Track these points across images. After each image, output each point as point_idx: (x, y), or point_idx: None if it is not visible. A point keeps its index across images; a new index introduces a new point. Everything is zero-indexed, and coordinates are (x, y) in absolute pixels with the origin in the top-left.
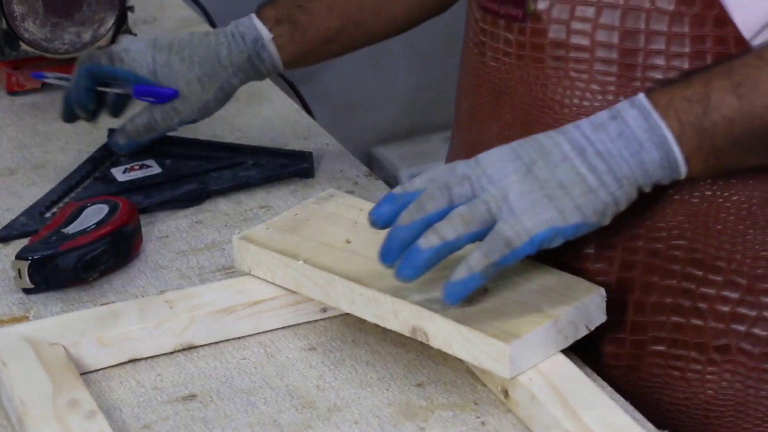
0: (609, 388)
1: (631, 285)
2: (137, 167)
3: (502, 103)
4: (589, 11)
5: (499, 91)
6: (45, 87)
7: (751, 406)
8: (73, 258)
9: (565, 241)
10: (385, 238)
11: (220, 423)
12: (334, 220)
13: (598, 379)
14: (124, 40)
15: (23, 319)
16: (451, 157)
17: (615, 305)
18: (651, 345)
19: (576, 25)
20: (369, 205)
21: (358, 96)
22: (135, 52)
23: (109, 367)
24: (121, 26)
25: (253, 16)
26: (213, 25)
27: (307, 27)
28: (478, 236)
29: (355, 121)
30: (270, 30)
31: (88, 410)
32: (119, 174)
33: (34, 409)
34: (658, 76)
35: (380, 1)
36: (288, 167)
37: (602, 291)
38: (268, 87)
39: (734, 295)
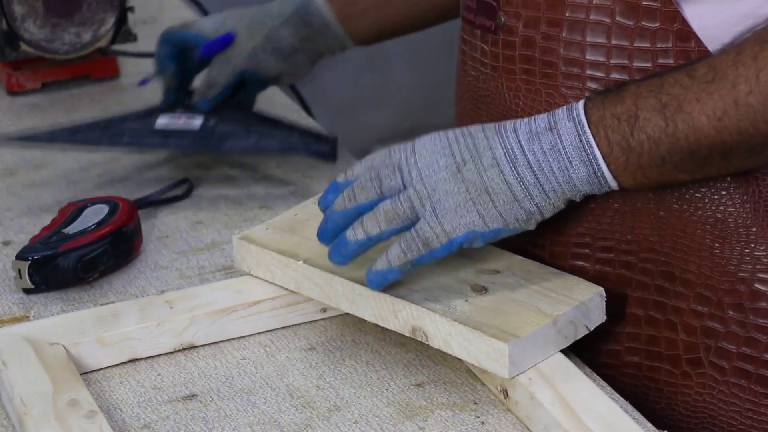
0: (608, 388)
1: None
2: (183, 119)
3: (481, 112)
4: (555, 27)
5: (478, 99)
6: (45, 87)
7: (725, 420)
8: (73, 258)
9: (485, 243)
10: (322, 219)
11: (220, 423)
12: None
13: (598, 379)
14: None
15: (23, 319)
16: None
17: None
18: (626, 355)
19: (543, 41)
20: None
21: (358, 96)
22: (203, 18)
23: (110, 367)
24: (121, 27)
25: None
26: None
27: None
28: (401, 231)
29: (355, 121)
30: None
31: (88, 410)
32: (161, 121)
33: (34, 409)
34: None
35: None
36: (309, 146)
37: (602, 291)
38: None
39: (704, 309)
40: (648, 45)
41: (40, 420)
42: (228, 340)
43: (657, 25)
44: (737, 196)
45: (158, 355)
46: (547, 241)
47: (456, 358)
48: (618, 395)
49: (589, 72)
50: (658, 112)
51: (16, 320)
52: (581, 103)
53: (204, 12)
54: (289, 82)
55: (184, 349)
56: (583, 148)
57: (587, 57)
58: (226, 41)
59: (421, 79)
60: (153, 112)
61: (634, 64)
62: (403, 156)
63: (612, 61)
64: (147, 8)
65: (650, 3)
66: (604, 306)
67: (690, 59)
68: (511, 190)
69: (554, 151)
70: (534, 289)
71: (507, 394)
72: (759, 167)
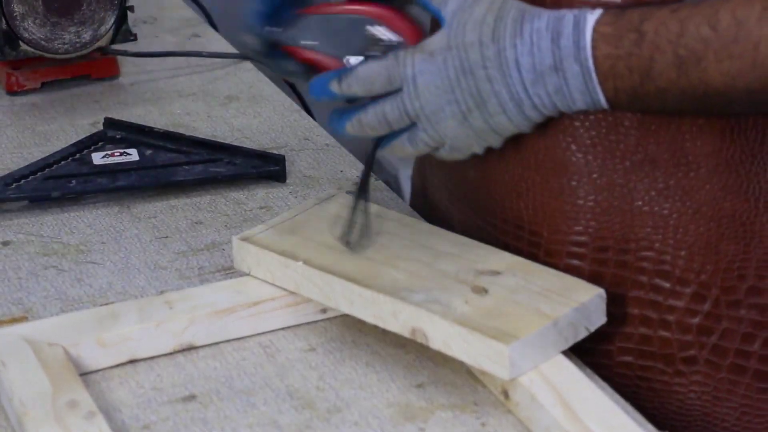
0: (609, 390)
1: None
2: (117, 153)
3: None
4: None
5: None
6: (45, 87)
7: (719, 417)
8: None
9: None
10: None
11: (220, 424)
12: (334, 220)
13: (599, 380)
14: None
15: (22, 319)
16: None
17: None
18: (618, 356)
19: None
20: (369, 206)
21: None
22: None
23: (109, 367)
24: (121, 26)
25: None
26: (213, 25)
27: None
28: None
29: None
30: None
31: (88, 411)
32: (98, 158)
33: (33, 410)
34: None
35: None
36: (259, 168)
37: (602, 292)
38: (268, 87)
39: (702, 308)
40: None
41: (39, 421)
42: (228, 340)
43: None
44: (740, 192)
45: (158, 356)
46: (542, 239)
47: (456, 359)
48: (619, 396)
49: None
50: (673, 67)
51: (15, 321)
52: (588, 35)
53: (204, 12)
54: None
55: (183, 350)
56: (589, 93)
57: None
58: None
59: None
60: (81, 148)
61: None
62: (407, 100)
63: None
64: (147, 8)
65: None
66: (605, 307)
67: None
68: (520, 129)
69: (560, 94)
70: (534, 291)
71: (507, 396)
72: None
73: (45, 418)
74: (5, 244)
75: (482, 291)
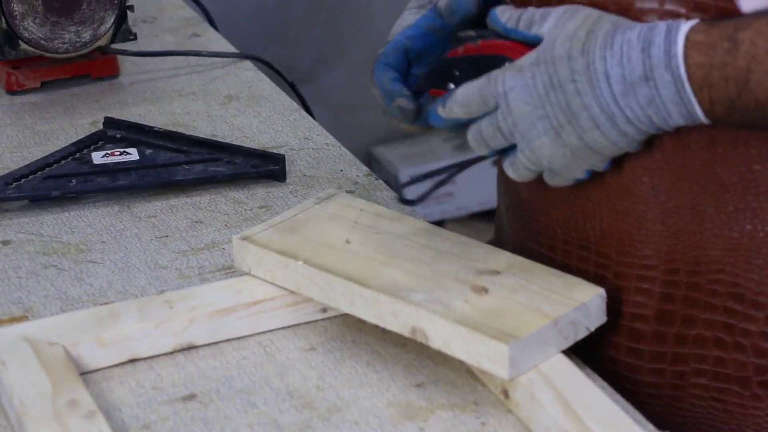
0: (610, 389)
1: (671, 317)
2: (117, 153)
3: None
4: None
5: None
6: (44, 86)
7: None
8: None
9: None
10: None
11: (220, 423)
12: (334, 220)
13: (599, 379)
14: None
15: (22, 318)
16: None
17: (655, 336)
18: (693, 377)
19: None
20: (369, 206)
21: (358, 96)
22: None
23: (109, 367)
24: (121, 25)
25: None
26: (213, 24)
27: None
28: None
29: (355, 121)
30: None
31: (88, 410)
32: (98, 157)
33: (33, 410)
34: None
35: None
36: (258, 167)
37: (602, 292)
38: (268, 87)
39: None
40: None
41: (39, 420)
42: (228, 340)
43: None
44: None
45: (158, 355)
46: (611, 261)
47: (456, 358)
48: (619, 396)
49: None
50: None
51: (15, 320)
52: (680, 44)
53: (204, 12)
54: None
55: (183, 349)
56: (683, 104)
57: None
58: None
59: None
60: (81, 148)
61: None
62: (501, 118)
63: None
64: (147, 7)
65: None
66: (605, 307)
67: None
68: (617, 145)
69: (653, 105)
70: (534, 290)
71: (507, 395)
72: None
73: (45, 417)
74: (5, 243)
75: (482, 291)
